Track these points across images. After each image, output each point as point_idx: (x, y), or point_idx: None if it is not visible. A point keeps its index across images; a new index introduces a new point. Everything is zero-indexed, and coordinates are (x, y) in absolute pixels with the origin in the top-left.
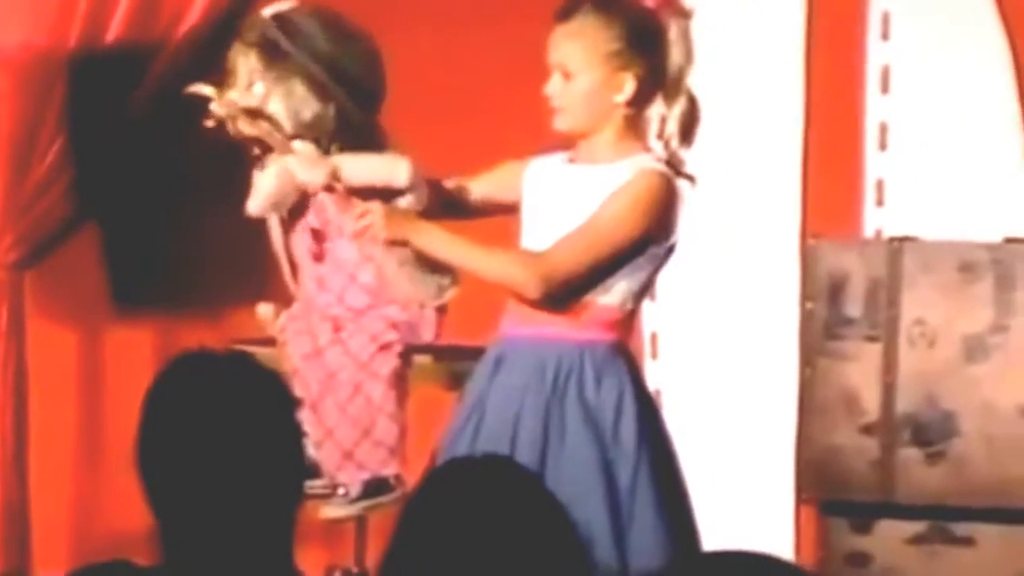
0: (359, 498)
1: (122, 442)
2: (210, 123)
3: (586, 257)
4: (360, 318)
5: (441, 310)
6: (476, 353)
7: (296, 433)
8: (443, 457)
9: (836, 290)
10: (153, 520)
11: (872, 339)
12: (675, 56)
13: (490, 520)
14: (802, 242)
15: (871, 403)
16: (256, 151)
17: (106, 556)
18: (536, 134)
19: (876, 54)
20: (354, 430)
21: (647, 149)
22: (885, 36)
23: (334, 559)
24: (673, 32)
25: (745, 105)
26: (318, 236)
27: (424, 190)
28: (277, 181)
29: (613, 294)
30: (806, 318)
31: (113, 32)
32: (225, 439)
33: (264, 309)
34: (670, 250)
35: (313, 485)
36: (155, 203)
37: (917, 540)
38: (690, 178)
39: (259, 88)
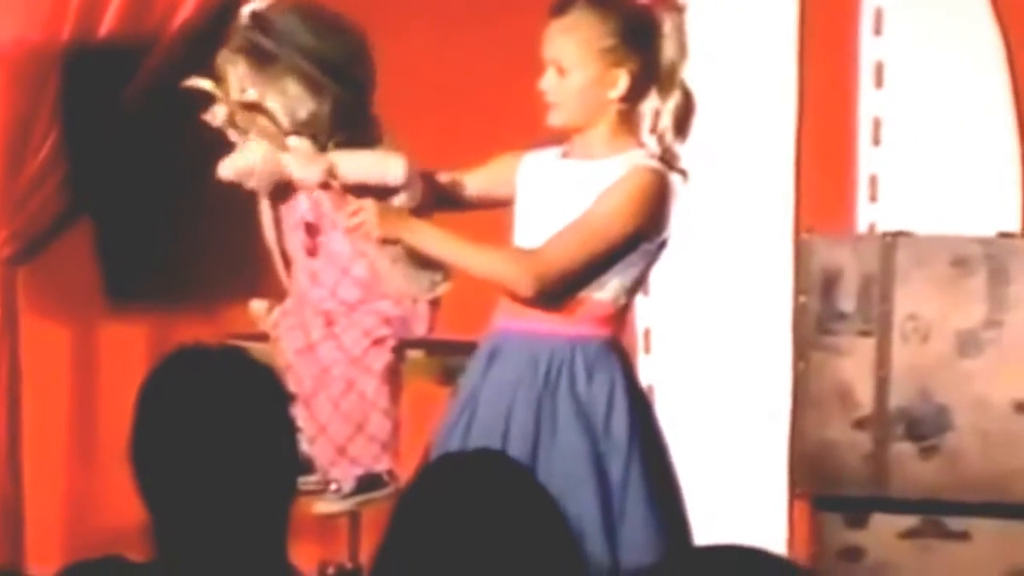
0: (352, 493)
1: (116, 438)
2: (209, 117)
3: (579, 254)
4: (353, 312)
5: (434, 305)
6: (469, 348)
7: (290, 429)
8: (436, 451)
9: (829, 285)
10: (147, 515)
11: (865, 334)
12: (669, 51)
13: (483, 514)
14: (795, 237)
15: (864, 397)
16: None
17: (100, 552)
18: (531, 128)
19: (869, 49)
20: (347, 425)
21: (641, 144)
22: (878, 31)
23: (327, 554)
24: (667, 27)
25: (738, 100)
26: (311, 230)
27: (418, 187)
28: (261, 161)
29: (606, 290)
30: (799, 313)
31: (106, 26)
32: (219, 435)
33: (257, 304)
34: (662, 245)
35: (306, 481)
36: (149, 198)
37: (911, 534)
38: (683, 173)
39: (251, 94)
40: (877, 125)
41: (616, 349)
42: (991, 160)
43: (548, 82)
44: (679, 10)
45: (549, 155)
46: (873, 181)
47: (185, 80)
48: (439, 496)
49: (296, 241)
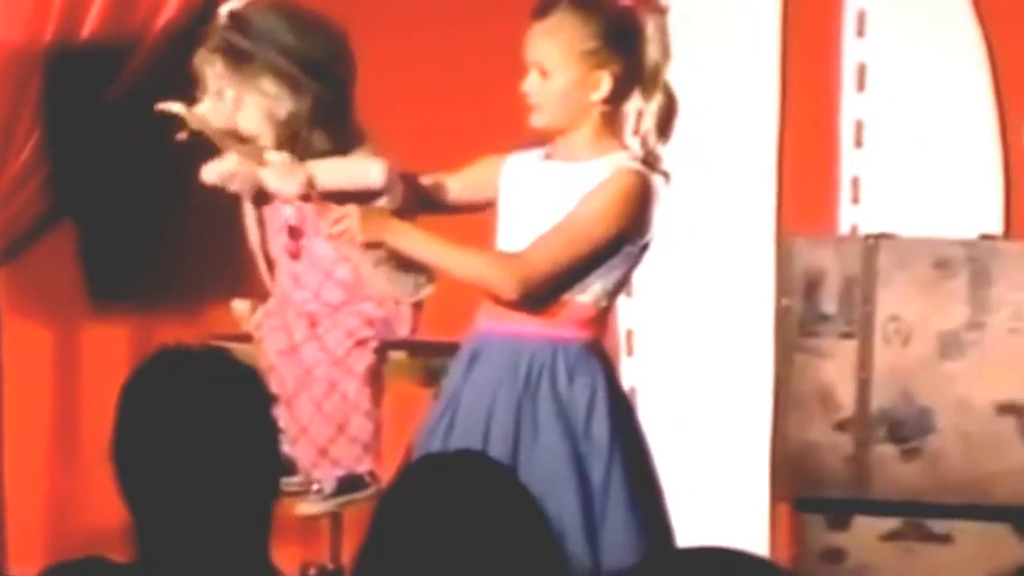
0: (334, 494)
1: (98, 438)
2: (182, 136)
3: (563, 258)
4: (336, 314)
5: (417, 306)
6: (451, 349)
7: (272, 430)
8: (418, 452)
9: (812, 287)
10: (128, 516)
11: (847, 336)
12: (652, 52)
13: (464, 515)
14: (778, 239)
15: (846, 399)
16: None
17: (81, 552)
18: (514, 129)
19: (852, 51)
20: (329, 426)
21: (624, 146)
22: (861, 33)
23: (309, 555)
24: (650, 28)
25: (721, 102)
26: (294, 233)
27: (399, 189)
28: (243, 164)
29: (587, 292)
30: (781, 315)
31: (89, 27)
32: (201, 435)
33: (240, 305)
34: (645, 248)
35: (288, 482)
36: (131, 199)
37: (892, 536)
38: (666, 175)
39: (230, 94)
40: (859, 127)
41: (598, 351)
42: (973, 162)
43: (531, 84)
44: (662, 12)
45: (532, 157)
46: (855, 183)
47: (169, 84)
48: (420, 497)
49: (279, 244)
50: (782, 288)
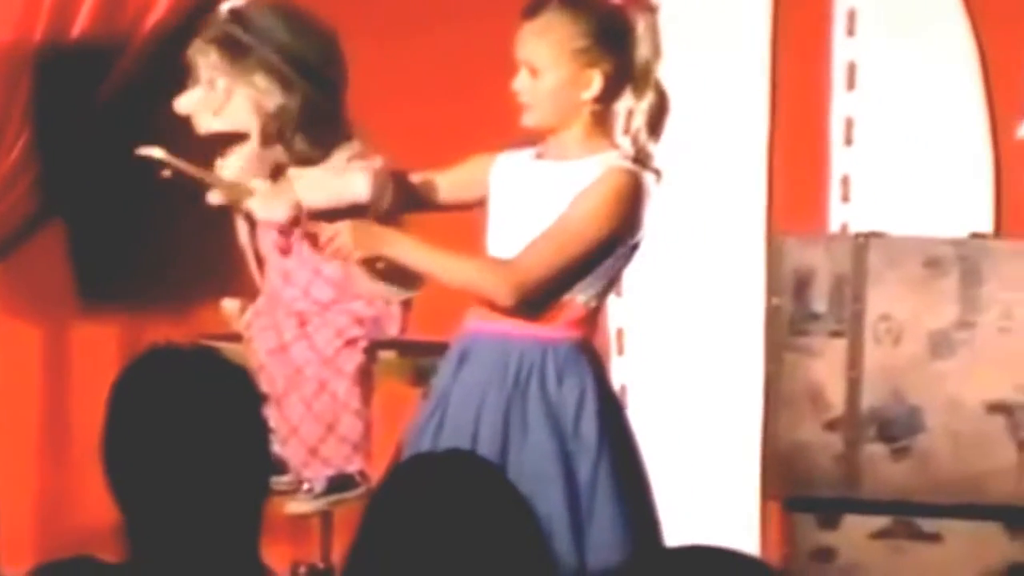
0: (324, 493)
1: (88, 438)
2: (166, 174)
3: (557, 261)
4: (326, 313)
5: (406, 305)
6: (441, 348)
7: (262, 429)
8: (407, 452)
9: (802, 286)
10: (118, 516)
11: (837, 334)
12: (643, 51)
13: (453, 514)
14: (768, 237)
15: (836, 398)
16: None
17: (71, 552)
18: (504, 128)
19: (842, 50)
20: (319, 426)
21: (615, 145)
22: (851, 32)
23: (299, 554)
24: (640, 27)
25: (711, 100)
26: (285, 230)
27: (388, 194)
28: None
29: (577, 292)
30: (771, 314)
31: (79, 27)
32: (191, 435)
33: (230, 304)
34: (635, 247)
35: (278, 481)
36: (121, 199)
37: (882, 535)
38: (657, 173)
39: (221, 83)
40: (850, 125)
41: (587, 351)
42: (963, 161)
43: (521, 83)
44: (652, 10)
45: (523, 156)
46: (845, 181)
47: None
48: (410, 496)
49: (269, 240)
50: (772, 287)
